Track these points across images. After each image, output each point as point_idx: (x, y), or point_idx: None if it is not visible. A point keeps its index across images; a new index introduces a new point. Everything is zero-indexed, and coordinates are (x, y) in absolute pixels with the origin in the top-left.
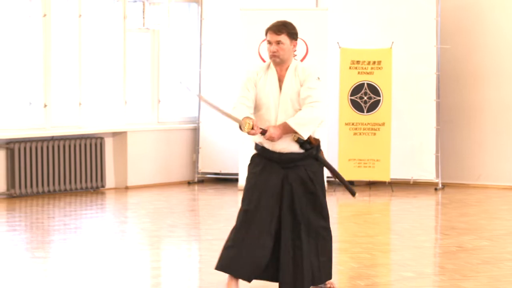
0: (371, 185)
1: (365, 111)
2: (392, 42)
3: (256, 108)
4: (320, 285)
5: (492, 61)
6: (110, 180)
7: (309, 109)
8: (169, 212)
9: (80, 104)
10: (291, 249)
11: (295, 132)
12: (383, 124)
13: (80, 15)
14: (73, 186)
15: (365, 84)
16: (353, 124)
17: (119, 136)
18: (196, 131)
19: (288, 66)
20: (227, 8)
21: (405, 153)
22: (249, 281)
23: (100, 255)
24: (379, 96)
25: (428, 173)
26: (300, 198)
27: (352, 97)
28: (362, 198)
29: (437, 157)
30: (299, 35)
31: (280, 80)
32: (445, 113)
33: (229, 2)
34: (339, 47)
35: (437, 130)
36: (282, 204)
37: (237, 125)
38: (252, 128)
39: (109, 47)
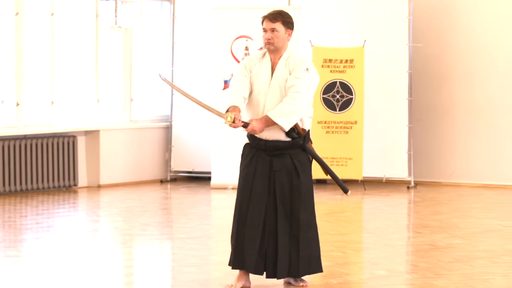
0: (344, 183)
1: (337, 110)
2: (365, 41)
3: (249, 95)
4: (297, 279)
5: (464, 60)
6: (82, 178)
7: (290, 100)
8: (141, 211)
9: (52, 102)
10: (271, 237)
11: (276, 124)
12: (356, 122)
13: (52, 14)
14: (45, 184)
15: (338, 83)
16: (325, 122)
17: (91, 134)
18: (168, 129)
19: (282, 55)
20: (199, 6)
21: (378, 151)
22: (259, 273)
23: (72, 254)
24: (352, 94)
25: (400, 171)
26: (282, 187)
27: (324, 96)
28: (334, 197)
29: (409, 155)
30: None
31: (273, 68)
32: (417, 112)
33: (202, 0)
34: (312, 46)
35: (410, 129)
36: (270, 193)
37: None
38: (234, 122)
39: (81, 46)
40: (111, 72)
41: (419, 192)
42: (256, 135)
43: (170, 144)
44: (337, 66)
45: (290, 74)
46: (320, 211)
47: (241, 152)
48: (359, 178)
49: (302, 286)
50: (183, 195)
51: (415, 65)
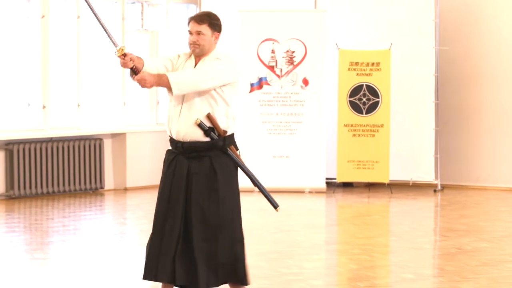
0: (370, 186)
1: (364, 113)
2: (391, 44)
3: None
4: None
5: (491, 62)
6: (109, 181)
7: (192, 71)
8: None
9: (79, 105)
10: (185, 248)
11: (168, 86)
12: (382, 125)
13: (78, 16)
14: (72, 187)
15: (364, 86)
16: (352, 125)
17: (118, 137)
18: None
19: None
20: (225, 9)
21: (404, 154)
22: (173, 283)
23: (99, 257)
24: (378, 97)
25: (427, 175)
26: (199, 192)
27: (351, 99)
28: (361, 200)
29: (436, 159)
30: (298, 37)
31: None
32: (444, 115)
33: (228, 3)
34: (338, 49)
35: (436, 132)
36: (186, 197)
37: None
38: (125, 56)
39: (107, 49)
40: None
41: (446, 196)
42: (173, 137)
43: None
44: (364, 69)
45: None
46: (347, 215)
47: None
48: (386, 181)
49: None
50: None
51: (442, 68)
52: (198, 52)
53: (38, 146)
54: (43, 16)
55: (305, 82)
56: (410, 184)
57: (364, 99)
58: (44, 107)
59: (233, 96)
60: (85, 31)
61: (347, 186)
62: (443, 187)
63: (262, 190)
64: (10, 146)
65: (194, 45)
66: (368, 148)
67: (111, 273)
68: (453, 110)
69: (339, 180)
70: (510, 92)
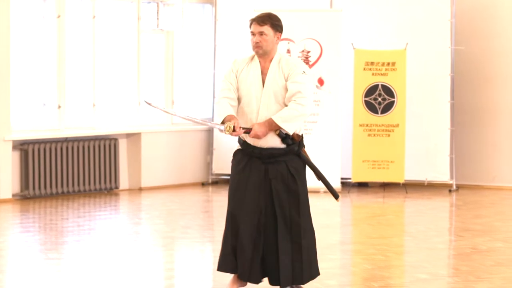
0: (385, 186)
1: (379, 113)
2: (407, 43)
3: (238, 100)
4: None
5: (507, 62)
6: (124, 181)
7: (295, 105)
8: (182, 214)
9: (94, 105)
10: (272, 246)
11: (280, 129)
12: (397, 125)
13: (94, 16)
14: (87, 187)
15: (380, 85)
16: (367, 125)
17: (133, 137)
18: (210, 132)
19: (272, 58)
20: (241, 9)
21: (419, 154)
22: (253, 281)
23: (113, 257)
24: (393, 97)
25: (442, 175)
26: (280, 195)
27: (366, 98)
28: (376, 200)
29: (451, 159)
30: (313, 36)
31: (263, 73)
32: (459, 115)
33: (243, 2)
34: (353, 48)
35: (452, 132)
36: (266, 200)
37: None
38: (234, 130)
39: (123, 48)
40: (153, 74)
41: (461, 196)
42: (250, 143)
43: (212, 146)
44: (379, 69)
45: (285, 79)
46: (362, 215)
47: (231, 158)
48: (401, 181)
49: None
50: (224, 198)
51: (457, 68)
52: (262, 53)
53: (53, 146)
54: (58, 16)
55: (321, 82)
56: (425, 184)
57: (379, 99)
58: (59, 107)
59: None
60: (101, 31)
61: (362, 186)
62: (458, 187)
63: (326, 183)
64: (25, 146)
65: (257, 46)
66: (383, 148)
67: (125, 273)
68: (468, 110)
69: (354, 180)
70: None
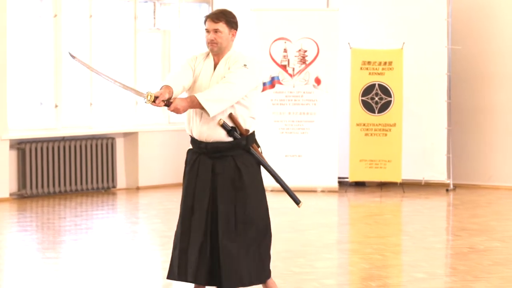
0: (382, 186)
1: (376, 112)
2: (403, 43)
3: (190, 93)
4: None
5: (504, 61)
6: (121, 180)
7: (219, 87)
8: None
9: (91, 104)
10: (211, 247)
11: (202, 108)
12: (394, 125)
13: (90, 16)
14: (84, 186)
15: (376, 85)
16: (364, 124)
17: (130, 136)
18: None
19: (225, 55)
20: (238, 8)
21: (416, 154)
22: (198, 283)
23: (111, 256)
24: (390, 96)
25: (439, 174)
26: (224, 191)
27: (363, 98)
28: (373, 199)
29: (448, 158)
30: (310, 36)
31: (215, 68)
32: (456, 114)
33: (240, 2)
34: (350, 48)
35: (448, 131)
36: (211, 196)
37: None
38: (154, 101)
39: (119, 48)
40: (150, 74)
41: (458, 195)
42: (196, 137)
43: None
44: (376, 69)
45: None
46: (359, 214)
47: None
48: (398, 180)
49: None
50: None
51: (454, 67)
52: (216, 51)
53: (50, 145)
54: (55, 15)
55: (317, 81)
56: (422, 184)
57: (376, 98)
58: (56, 106)
59: (254, 96)
60: (97, 30)
61: (359, 185)
62: (455, 186)
63: (284, 187)
64: (22, 145)
65: (212, 43)
66: (380, 147)
67: (123, 272)
68: (465, 109)
69: (351, 179)
70: None
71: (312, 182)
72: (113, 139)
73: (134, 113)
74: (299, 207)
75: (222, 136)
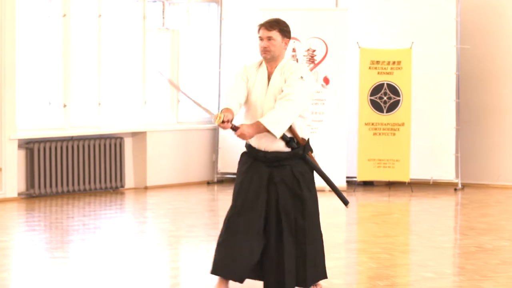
0: (391, 185)
1: (384, 111)
2: (412, 42)
3: (246, 104)
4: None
5: None
6: (129, 180)
7: (281, 107)
8: (188, 212)
9: (99, 104)
10: (274, 249)
11: (268, 131)
12: (403, 124)
13: (99, 15)
14: (92, 186)
15: (385, 84)
16: (372, 124)
17: (138, 136)
18: (215, 131)
19: (278, 64)
20: (247, 8)
21: (425, 153)
22: (241, 281)
23: (119, 255)
24: (399, 96)
25: (447, 174)
26: (285, 199)
27: (371, 97)
28: (381, 199)
29: (456, 158)
30: (319, 35)
31: (269, 78)
32: (465, 113)
33: (249, 2)
34: (359, 47)
35: (457, 130)
36: (268, 204)
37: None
38: (223, 122)
39: (128, 47)
40: (159, 73)
41: (467, 194)
42: (255, 146)
43: (217, 145)
44: (385, 68)
45: (285, 83)
46: (367, 213)
47: (238, 159)
48: (406, 180)
49: None
50: (229, 196)
51: (463, 66)
52: (269, 58)
53: (58, 145)
54: (64, 15)
55: (326, 80)
56: (431, 183)
57: (385, 98)
58: (65, 106)
59: (306, 104)
60: (106, 29)
61: (367, 184)
62: (464, 185)
63: (334, 189)
64: (30, 145)
65: (265, 51)
66: (389, 146)
67: (131, 271)
68: (474, 109)
69: (359, 178)
70: None
71: (320, 181)
72: (121, 138)
73: (142, 113)
74: (347, 207)
75: (281, 146)
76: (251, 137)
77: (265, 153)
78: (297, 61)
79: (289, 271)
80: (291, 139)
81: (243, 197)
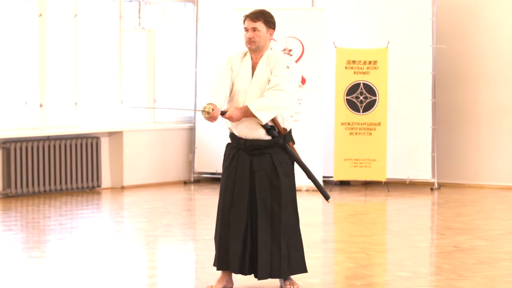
0: (367, 185)
1: (361, 111)
2: (388, 42)
3: (230, 94)
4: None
5: (488, 61)
6: (106, 179)
7: (271, 96)
8: (165, 212)
9: (76, 103)
10: (251, 239)
11: (254, 116)
12: (379, 124)
13: (76, 15)
14: (69, 185)
15: (361, 84)
16: (349, 124)
17: (115, 135)
18: (192, 130)
19: (263, 54)
20: (223, 7)
21: (401, 153)
22: (243, 274)
23: (96, 255)
24: (375, 96)
25: (424, 173)
26: (262, 188)
27: (348, 97)
28: (358, 198)
29: (433, 157)
30: (295, 35)
31: (254, 68)
32: (441, 113)
33: (225, 2)
34: (335, 47)
35: (433, 130)
36: (250, 192)
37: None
38: (212, 111)
39: (105, 47)
40: (135, 73)
41: (443, 194)
42: (236, 134)
43: (194, 145)
44: (361, 68)
45: (271, 73)
46: (343, 213)
47: (217, 156)
48: (383, 179)
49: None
50: (206, 196)
51: (439, 66)
52: (254, 49)
53: (35, 144)
54: (40, 15)
55: (302, 80)
56: (407, 183)
57: (361, 98)
58: (41, 105)
59: (293, 95)
60: (83, 29)
61: (344, 184)
62: (440, 185)
63: (315, 183)
64: (7, 145)
65: (250, 41)
66: (365, 146)
67: (108, 271)
68: (450, 109)
69: (336, 178)
70: (507, 90)
71: (297, 181)
72: (98, 138)
73: (119, 112)
74: (328, 202)
75: (261, 134)
76: (238, 119)
77: (245, 140)
78: None
79: (262, 260)
80: (272, 128)
81: (230, 190)
